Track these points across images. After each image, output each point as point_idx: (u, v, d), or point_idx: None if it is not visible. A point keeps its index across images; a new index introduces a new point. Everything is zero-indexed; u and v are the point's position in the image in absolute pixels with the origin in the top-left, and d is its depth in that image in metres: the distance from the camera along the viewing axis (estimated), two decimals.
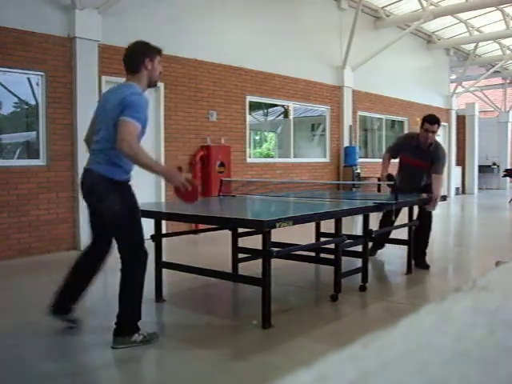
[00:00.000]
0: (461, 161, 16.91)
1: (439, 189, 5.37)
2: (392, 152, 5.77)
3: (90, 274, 3.48)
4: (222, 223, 4.23)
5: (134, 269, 3.22)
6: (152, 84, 3.30)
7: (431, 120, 5.30)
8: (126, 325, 3.20)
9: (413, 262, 5.39)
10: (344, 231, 4.67)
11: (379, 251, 6.15)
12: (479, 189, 17.69)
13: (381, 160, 5.98)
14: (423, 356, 0.40)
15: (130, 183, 3.27)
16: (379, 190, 6.10)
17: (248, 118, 9.25)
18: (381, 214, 5.67)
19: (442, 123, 15.53)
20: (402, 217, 5.57)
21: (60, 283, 3.43)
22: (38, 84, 6.40)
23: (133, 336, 3.18)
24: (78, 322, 3.52)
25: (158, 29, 7.59)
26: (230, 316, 4.16)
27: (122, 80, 7.10)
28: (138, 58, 3.22)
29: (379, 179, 5.93)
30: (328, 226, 5.44)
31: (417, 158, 5.42)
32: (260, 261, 3.61)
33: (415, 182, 5.60)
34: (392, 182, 5.34)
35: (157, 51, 3.29)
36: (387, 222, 5.61)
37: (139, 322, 3.27)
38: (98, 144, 3.17)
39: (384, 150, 12.51)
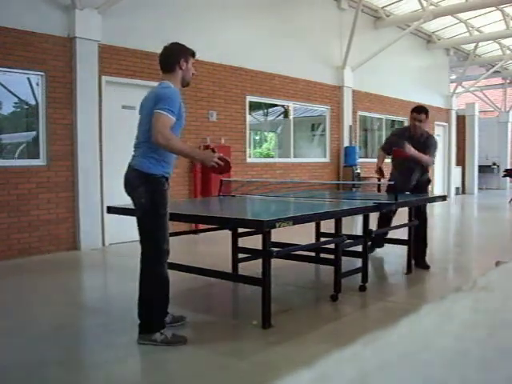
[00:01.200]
0: (461, 161, 16.91)
1: (421, 158, 5.42)
2: (386, 148, 5.86)
3: None
4: (222, 223, 4.23)
5: (153, 267, 3.21)
6: (185, 84, 3.46)
7: (418, 109, 5.52)
8: (146, 323, 3.23)
9: (413, 262, 5.39)
10: (344, 231, 4.67)
11: (378, 250, 6.16)
12: (479, 189, 17.69)
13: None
14: (423, 356, 0.40)
15: (167, 179, 3.28)
16: (379, 190, 6.11)
17: (248, 117, 9.25)
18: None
19: (442, 123, 15.58)
20: (398, 217, 5.58)
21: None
22: (38, 84, 6.40)
23: (154, 335, 3.20)
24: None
25: (158, 29, 7.59)
26: (229, 316, 4.16)
27: (121, 80, 7.15)
28: (173, 58, 3.35)
29: (379, 179, 5.97)
30: (328, 226, 5.44)
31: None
32: (260, 261, 3.61)
33: (410, 174, 5.65)
34: (379, 177, 5.45)
35: (191, 53, 3.45)
36: (384, 222, 5.65)
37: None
38: (136, 139, 3.32)
39: None
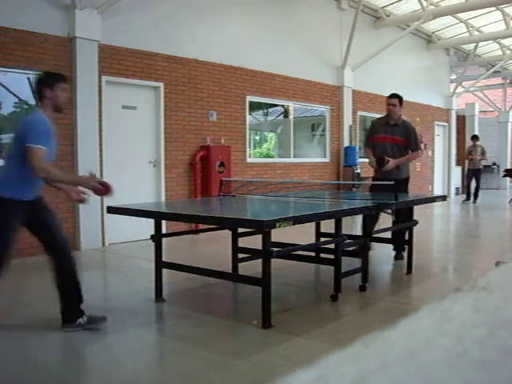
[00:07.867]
0: (461, 161, 16.90)
1: (404, 160, 5.82)
2: (369, 143, 6.15)
3: None
4: (221, 223, 4.23)
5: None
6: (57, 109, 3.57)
7: (390, 95, 6.17)
8: None
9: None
10: (344, 231, 4.67)
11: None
12: None
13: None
14: (423, 356, 0.40)
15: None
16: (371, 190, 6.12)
17: (248, 117, 9.25)
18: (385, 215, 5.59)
19: (442, 123, 15.58)
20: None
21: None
22: None
23: None
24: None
25: (158, 29, 7.60)
26: (229, 316, 4.15)
27: (121, 80, 7.14)
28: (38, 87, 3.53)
29: (373, 178, 6.01)
30: (328, 226, 5.44)
31: (387, 134, 5.87)
32: (260, 261, 3.61)
33: (390, 157, 5.80)
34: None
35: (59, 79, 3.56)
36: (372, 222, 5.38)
37: None
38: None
39: None
